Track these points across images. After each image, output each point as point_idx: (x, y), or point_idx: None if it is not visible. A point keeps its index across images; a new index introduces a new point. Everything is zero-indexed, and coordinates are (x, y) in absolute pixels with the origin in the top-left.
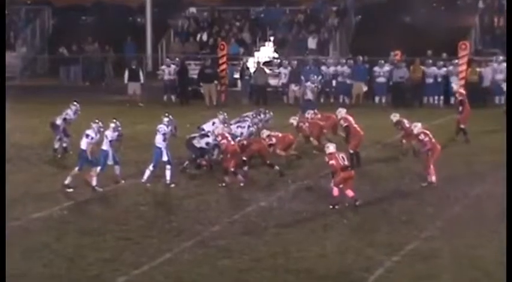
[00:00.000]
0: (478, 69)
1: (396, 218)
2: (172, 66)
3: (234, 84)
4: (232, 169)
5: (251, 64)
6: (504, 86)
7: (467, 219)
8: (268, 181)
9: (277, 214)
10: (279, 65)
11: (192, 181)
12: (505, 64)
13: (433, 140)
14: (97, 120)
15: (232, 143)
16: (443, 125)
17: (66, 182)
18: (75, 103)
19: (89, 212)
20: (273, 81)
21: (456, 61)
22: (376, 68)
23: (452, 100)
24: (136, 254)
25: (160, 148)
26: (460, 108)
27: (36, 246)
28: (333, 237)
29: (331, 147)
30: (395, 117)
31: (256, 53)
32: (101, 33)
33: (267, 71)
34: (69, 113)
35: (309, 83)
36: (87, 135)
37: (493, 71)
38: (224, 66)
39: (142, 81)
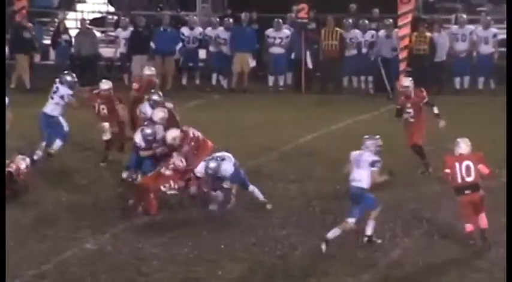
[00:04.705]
0: (428, 35)
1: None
2: None
3: (45, 56)
4: None
5: (71, 23)
6: (468, 60)
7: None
8: None
9: None
10: (116, 25)
11: None
12: (470, 27)
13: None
14: None
15: None
16: (373, 121)
17: None
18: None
19: None
20: (106, 51)
21: (391, 21)
22: (270, 32)
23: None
24: None
25: None
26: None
27: None
28: None
29: (462, 146)
30: None
31: (79, 6)
32: None
33: (97, 34)
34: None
35: None
36: None
37: (452, 37)
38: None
39: None
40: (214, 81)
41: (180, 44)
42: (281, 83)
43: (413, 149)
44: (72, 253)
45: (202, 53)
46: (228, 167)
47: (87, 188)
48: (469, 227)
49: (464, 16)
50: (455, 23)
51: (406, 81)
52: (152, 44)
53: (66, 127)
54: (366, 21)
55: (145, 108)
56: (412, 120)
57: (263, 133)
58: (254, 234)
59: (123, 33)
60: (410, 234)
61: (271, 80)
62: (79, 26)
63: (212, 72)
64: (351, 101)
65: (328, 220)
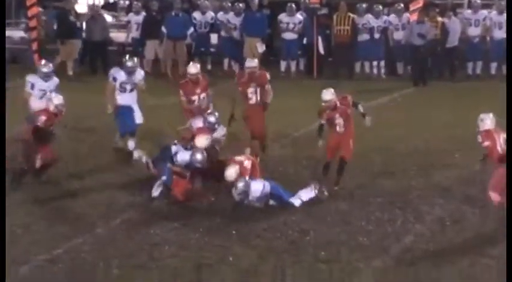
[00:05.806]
0: (439, 20)
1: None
2: None
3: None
4: None
5: (82, 8)
6: (480, 45)
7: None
8: None
9: None
10: (128, 10)
11: None
12: (483, 11)
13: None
14: None
15: None
16: (390, 107)
17: None
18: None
19: None
20: (118, 36)
21: (402, 6)
22: (283, 17)
23: (399, 68)
24: None
25: None
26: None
27: None
28: None
29: (488, 122)
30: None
31: None
32: None
33: (109, 19)
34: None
35: None
36: None
37: (464, 22)
38: (35, 10)
39: None
40: (226, 66)
41: (192, 29)
42: (293, 69)
43: (339, 163)
44: (83, 238)
45: (213, 38)
46: (257, 187)
47: (98, 173)
48: (498, 197)
49: (478, 1)
50: (468, 7)
51: (328, 95)
52: (163, 29)
53: (138, 119)
54: (380, 7)
55: (199, 124)
56: (342, 130)
57: (275, 119)
58: (265, 220)
59: (135, 18)
60: (422, 219)
61: (283, 65)
62: (89, 11)
63: (224, 58)
64: (363, 86)
65: (339, 206)
